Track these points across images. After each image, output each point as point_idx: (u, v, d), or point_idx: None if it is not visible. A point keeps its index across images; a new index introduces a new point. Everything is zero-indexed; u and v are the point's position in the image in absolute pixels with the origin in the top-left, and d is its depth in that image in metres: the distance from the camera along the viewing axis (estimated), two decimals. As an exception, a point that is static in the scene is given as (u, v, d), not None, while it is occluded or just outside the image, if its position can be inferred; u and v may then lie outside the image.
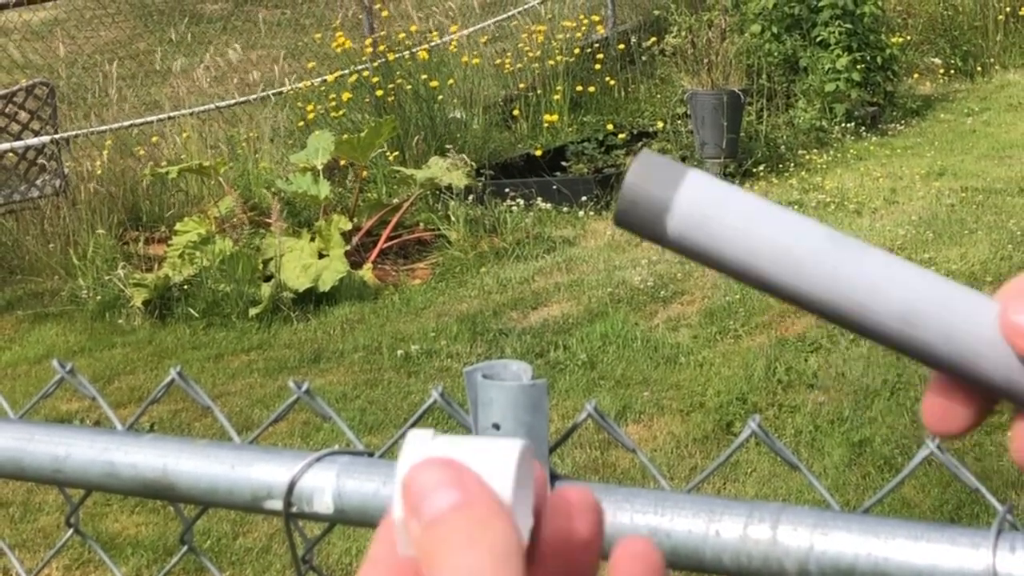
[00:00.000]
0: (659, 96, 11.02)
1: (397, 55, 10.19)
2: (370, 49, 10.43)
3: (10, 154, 8.84)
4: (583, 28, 11.75)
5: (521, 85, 10.86)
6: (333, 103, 10.15)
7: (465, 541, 0.52)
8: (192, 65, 11.08)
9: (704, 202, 0.62)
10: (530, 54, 11.02)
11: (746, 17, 10.57)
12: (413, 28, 10.72)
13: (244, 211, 8.30)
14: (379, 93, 9.91)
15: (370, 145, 8.33)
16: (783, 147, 9.49)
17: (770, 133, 9.56)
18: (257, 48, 12.58)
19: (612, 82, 11.19)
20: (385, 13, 10.93)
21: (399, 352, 6.64)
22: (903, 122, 10.33)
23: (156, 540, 5.13)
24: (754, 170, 9.07)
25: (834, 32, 10.14)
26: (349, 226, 8.07)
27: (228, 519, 5.13)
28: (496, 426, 1.12)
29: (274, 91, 10.36)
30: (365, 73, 10.22)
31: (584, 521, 0.57)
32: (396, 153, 9.33)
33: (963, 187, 7.96)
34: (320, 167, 8.34)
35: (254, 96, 10.29)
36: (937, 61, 11.96)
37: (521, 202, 8.59)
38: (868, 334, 0.62)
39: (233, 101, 10.26)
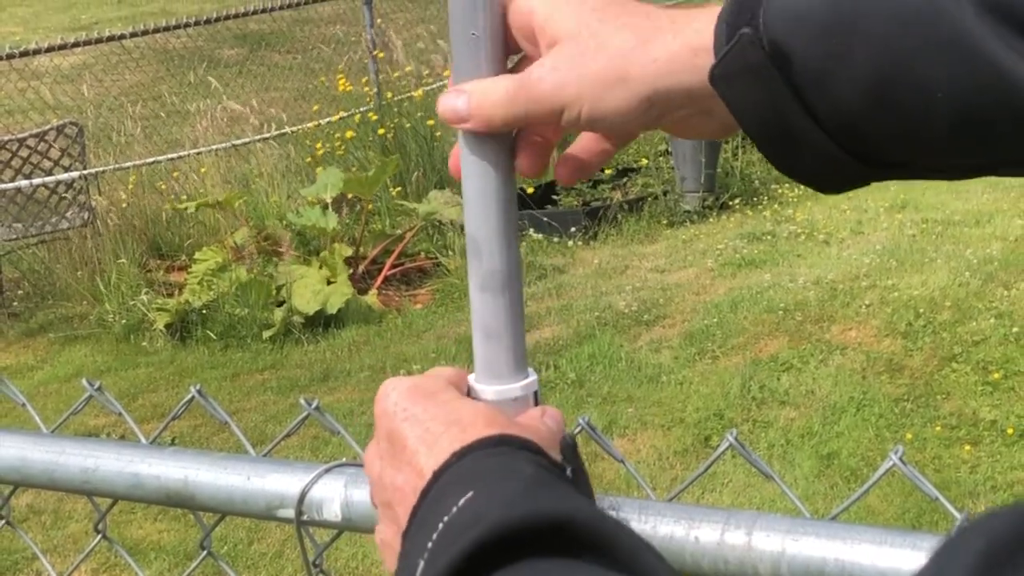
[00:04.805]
0: (642, 135, 11.03)
1: (398, 96, 10.20)
2: (373, 91, 10.45)
3: (42, 188, 8.85)
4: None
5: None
6: (339, 141, 10.15)
7: None
8: (210, 106, 11.09)
9: None
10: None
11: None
12: (408, 69, 10.72)
13: (258, 241, 8.31)
14: (380, 132, 9.92)
15: (376, 182, 8.36)
16: (757, 182, 9.50)
17: (745, 169, 9.56)
18: (270, 90, 12.60)
19: (599, 121, 11.18)
20: (393, 56, 10.93)
21: (402, 371, 6.63)
22: (867, 159, 10.34)
23: (177, 545, 5.12)
24: (730, 203, 9.08)
25: (803, 76, 10.16)
26: (350, 252, 8.08)
27: (244, 526, 5.12)
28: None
29: (287, 129, 10.37)
30: (370, 114, 10.23)
31: None
32: (398, 188, 9.33)
33: (924, 219, 7.97)
34: (329, 201, 8.35)
35: (267, 135, 10.30)
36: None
37: (515, 232, 8.58)
38: None
39: (248, 139, 10.27)
